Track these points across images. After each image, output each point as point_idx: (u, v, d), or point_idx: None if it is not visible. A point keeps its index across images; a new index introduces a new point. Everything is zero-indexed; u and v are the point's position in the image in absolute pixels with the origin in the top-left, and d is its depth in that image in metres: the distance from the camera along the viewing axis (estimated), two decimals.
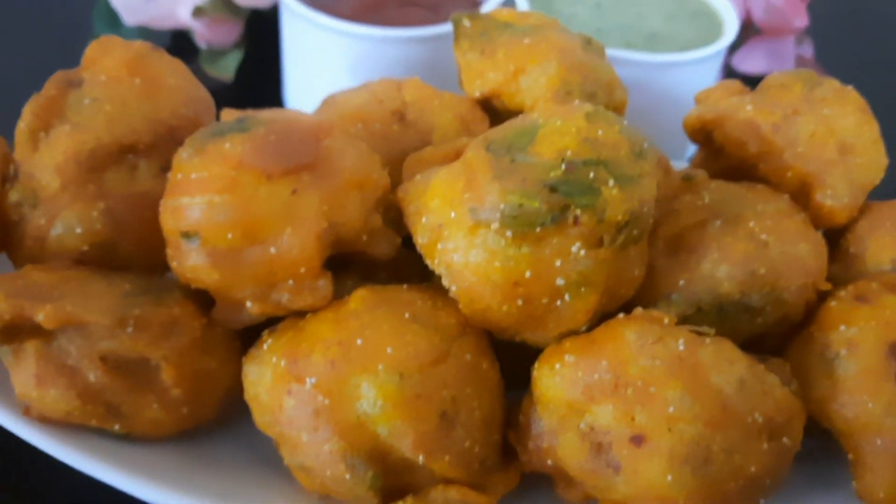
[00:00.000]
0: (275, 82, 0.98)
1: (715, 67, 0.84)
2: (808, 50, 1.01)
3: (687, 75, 0.81)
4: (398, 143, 0.64)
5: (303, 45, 0.87)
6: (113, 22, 1.02)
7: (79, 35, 1.06)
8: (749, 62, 0.97)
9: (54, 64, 1.01)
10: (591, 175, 0.51)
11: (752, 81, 0.73)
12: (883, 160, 0.65)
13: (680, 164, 0.73)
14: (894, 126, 0.93)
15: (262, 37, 1.01)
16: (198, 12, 0.95)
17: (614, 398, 0.51)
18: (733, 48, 0.99)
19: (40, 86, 0.97)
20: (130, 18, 0.99)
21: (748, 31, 0.99)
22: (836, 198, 0.62)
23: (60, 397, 0.53)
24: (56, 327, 0.51)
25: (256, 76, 1.00)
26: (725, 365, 0.51)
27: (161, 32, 1.03)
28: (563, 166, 0.51)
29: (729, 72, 1.00)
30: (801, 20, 0.93)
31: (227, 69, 0.98)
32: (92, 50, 0.61)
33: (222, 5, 0.96)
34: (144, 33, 1.02)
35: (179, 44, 1.03)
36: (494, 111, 0.68)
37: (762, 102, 0.63)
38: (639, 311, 0.54)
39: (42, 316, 0.50)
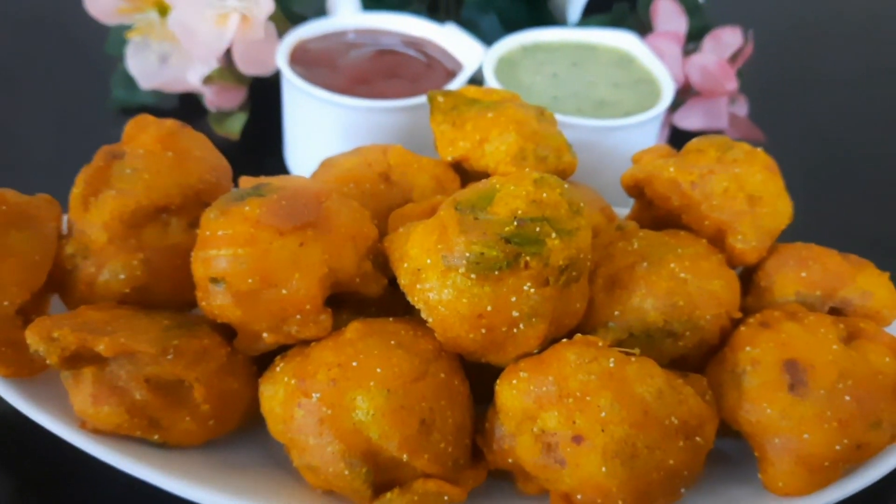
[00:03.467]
0: (275, 140, 1.07)
1: (654, 129, 0.94)
2: (741, 109, 1.10)
3: (629, 136, 0.90)
4: (384, 200, 0.72)
5: (301, 113, 0.95)
6: (130, 86, 1.13)
7: (99, 98, 1.15)
8: (688, 120, 1.07)
9: (79, 124, 1.13)
10: (538, 229, 0.58)
11: (690, 137, 0.81)
12: (788, 209, 0.73)
13: (624, 212, 0.82)
14: (806, 177, 1.05)
15: (264, 100, 1.10)
16: (207, 80, 1.04)
17: (559, 406, 0.58)
18: (675, 107, 1.08)
19: (68, 147, 1.09)
20: (145, 83, 1.08)
21: (687, 92, 1.08)
22: (745, 241, 0.70)
23: (112, 413, 0.60)
24: (112, 355, 0.59)
25: (259, 135, 1.09)
26: (647, 378, 0.58)
27: (172, 95, 1.13)
28: (516, 223, 0.58)
29: (672, 128, 1.09)
30: (731, 84, 1.02)
31: (232, 129, 1.07)
32: (130, 127, 0.69)
33: (228, 73, 1.06)
34: (158, 96, 1.13)
35: (188, 105, 1.12)
36: (464, 172, 0.77)
37: (682, 164, 0.72)
38: (578, 336, 0.61)
39: (102, 346, 0.58)
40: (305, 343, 0.63)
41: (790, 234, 0.75)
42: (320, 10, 1.12)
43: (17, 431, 0.69)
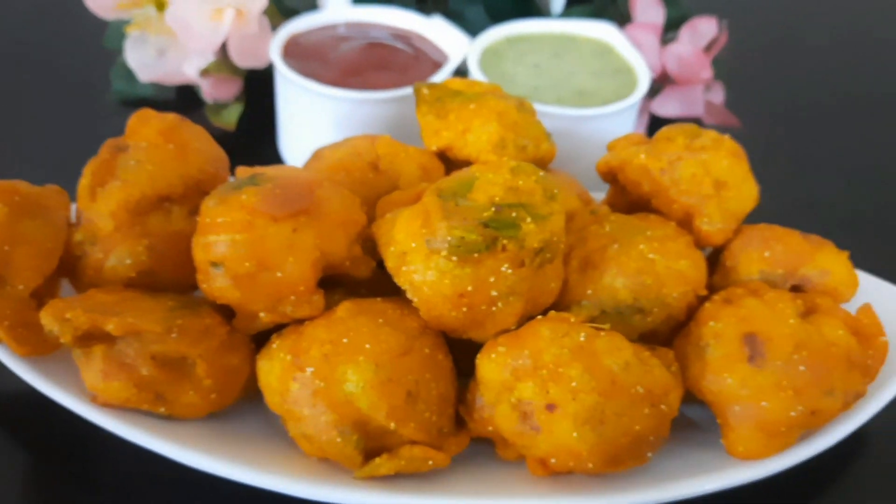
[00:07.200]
0: (269, 130, 1.10)
1: (630, 117, 0.97)
2: (717, 96, 1.13)
3: (606, 124, 0.93)
4: (373, 188, 0.74)
5: (295, 104, 0.98)
6: (129, 79, 1.15)
7: (100, 90, 1.19)
8: (666, 107, 1.10)
9: (81, 116, 1.17)
10: (514, 214, 0.61)
11: (669, 123, 0.83)
12: (753, 193, 0.77)
13: (601, 196, 0.85)
14: (779, 160, 1.09)
15: (258, 92, 1.13)
16: (204, 72, 1.08)
17: (534, 377, 0.61)
18: (653, 95, 1.11)
19: (70, 138, 1.13)
20: (144, 76, 1.11)
21: (664, 81, 1.11)
22: (711, 224, 0.74)
23: (121, 387, 0.63)
24: (121, 334, 0.61)
25: (254, 125, 1.12)
26: (615, 351, 0.62)
27: (170, 87, 1.16)
28: (494, 208, 0.62)
29: (651, 115, 1.12)
30: (706, 72, 1.06)
31: (229, 120, 1.09)
32: (133, 122, 0.72)
33: (224, 66, 1.09)
34: (156, 88, 1.15)
35: (186, 97, 1.15)
36: (448, 161, 0.80)
37: (653, 151, 0.76)
38: (552, 313, 0.64)
39: (111, 326, 0.61)
40: (300, 322, 0.65)
41: (764, 216, 0.78)
42: (311, 5, 1.16)
43: (31, 409, 0.73)
